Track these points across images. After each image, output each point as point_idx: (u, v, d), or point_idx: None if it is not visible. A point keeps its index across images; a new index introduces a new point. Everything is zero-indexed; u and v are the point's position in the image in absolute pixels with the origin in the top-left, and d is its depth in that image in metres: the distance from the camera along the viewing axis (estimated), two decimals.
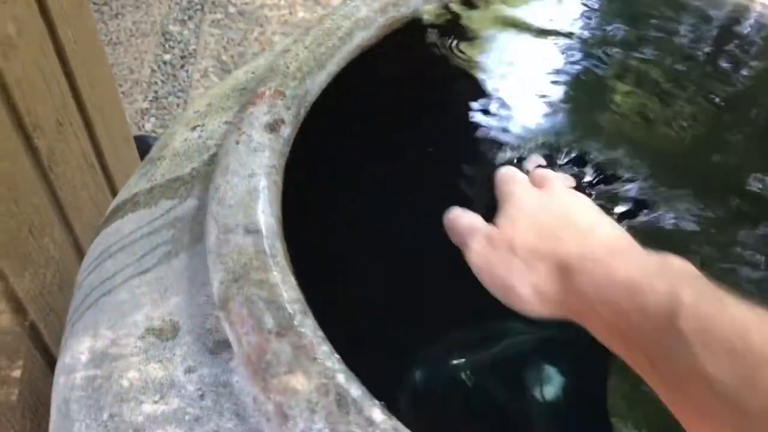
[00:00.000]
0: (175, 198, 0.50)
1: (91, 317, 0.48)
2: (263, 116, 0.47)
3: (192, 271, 0.44)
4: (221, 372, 0.40)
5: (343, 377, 0.35)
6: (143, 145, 1.22)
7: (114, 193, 0.99)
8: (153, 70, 1.58)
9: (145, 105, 1.51)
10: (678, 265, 0.35)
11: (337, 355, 0.36)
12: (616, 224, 0.42)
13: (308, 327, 0.37)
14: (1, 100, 0.69)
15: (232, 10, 1.72)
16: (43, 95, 0.77)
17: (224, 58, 1.61)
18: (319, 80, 0.50)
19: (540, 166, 0.54)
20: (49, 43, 0.79)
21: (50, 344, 0.78)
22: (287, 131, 0.47)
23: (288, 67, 0.50)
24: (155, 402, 0.41)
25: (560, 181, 0.47)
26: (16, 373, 0.70)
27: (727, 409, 0.27)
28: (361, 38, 0.53)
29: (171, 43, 1.63)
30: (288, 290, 0.38)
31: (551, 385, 0.85)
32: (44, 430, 0.75)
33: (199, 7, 1.72)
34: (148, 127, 1.47)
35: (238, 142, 0.46)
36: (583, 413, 0.68)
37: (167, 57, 1.61)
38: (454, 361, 0.89)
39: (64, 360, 0.50)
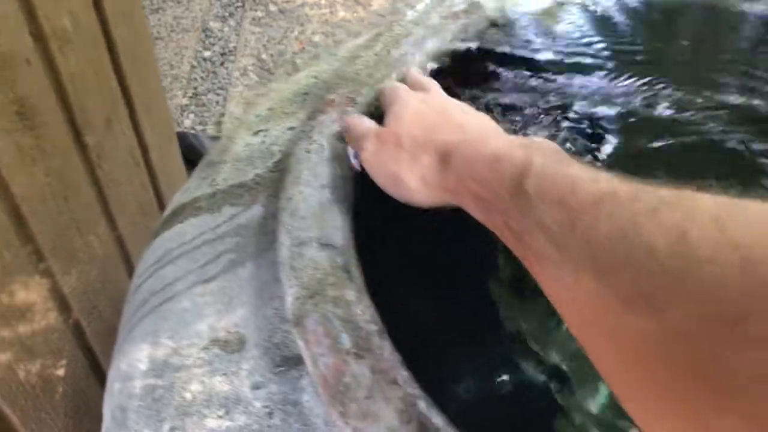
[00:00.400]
0: (239, 205, 0.49)
1: (150, 324, 0.46)
2: (334, 124, 0.46)
3: (259, 282, 0.43)
4: (290, 390, 0.38)
5: (424, 404, 0.33)
6: (183, 142, 1.22)
7: (157, 190, 0.99)
8: (193, 67, 1.57)
9: (185, 101, 1.50)
10: (540, 141, 0.38)
11: (415, 380, 0.34)
12: (488, 118, 0.45)
13: (387, 349, 0.35)
14: (55, 96, 0.68)
15: (273, 8, 1.71)
16: (94, 91, 0.77)
17: (264, 56, 1.60)
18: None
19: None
20: (102, 38, 0.79)
21: (92, 343, 0.77)
22: None
23: (358, 74, 0.49)
24: (220, 417, 0.39)
25: (437, 85, 0.49)
26: (60, 372, 0.70)
27: (556, 254, 0.30)
28: (432, 45, 0.51)
29: (211, 39, 1.63)
30: (364, 309, 0.37)
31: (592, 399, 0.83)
32: (85, 429, 0.74)
33: (240, 4, 1.71)
34: (187, 123, 1.47)
35: (309, 151, 0.44)
36: None
37: (207, 54, 1.60)
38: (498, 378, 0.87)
39: (119, 365, 0.49)
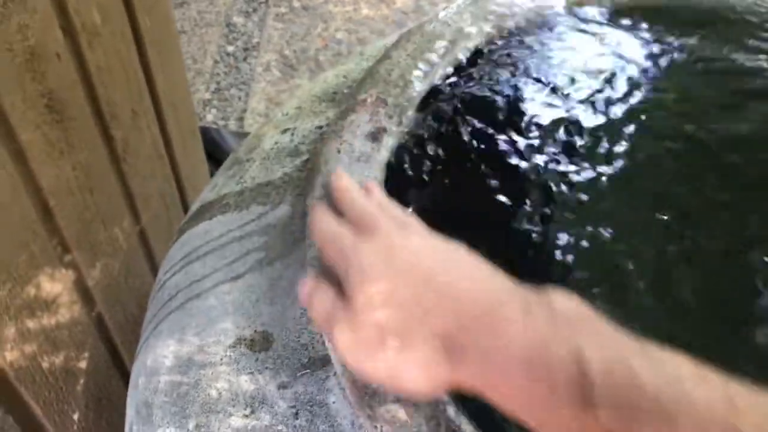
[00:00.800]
0: (267, 203, 0.49)
1: (176, 320, 0.47)
2: (365, 125, 0.45)
3: (287, 282, 0.43)
4: (317, 391, 0.38)
5: (453, 411, 0.33)
6: (205, 137, 1.22)
7: (179, 184, 0.99)
8: (216, 61, 1.58)
9: (207, 96, 1.51)
10: (561, 307, 0.32)
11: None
12: (480, 263, 0.36)
13: None
14: (83, 90, 0.68)
15: (296, 4, 1.71)
16: (121, 84, 0.77)
17: (287, 52, 1.60)
18: (422, 89, 0.48)
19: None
20: (129, 31, 0.79)
21: (114, 336, 0.78)
22: (390, 141, 0.45)
23: (390, 75, 0.48)
24: (246, 416, 0.39)
25: (388, 219, 0.38)
26: (82, 364, 0.70)
27: None
28: (464, 47, 0.51)
29: (235, 34, 1.63)
30: None
31: None
32: (105, 421, 0.75)
33: (264, 0, 1.71)
34: (210, 118, 1.47)
35: (339, 151, 0.44)
36: None
37: (230, 48, 1.60)
38: None
39: (145, 360, 0.49)
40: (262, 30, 1.64)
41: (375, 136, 0.45)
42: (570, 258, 0.51)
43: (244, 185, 0.51)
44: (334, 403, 0.38)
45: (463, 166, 0.49)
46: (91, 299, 0.73)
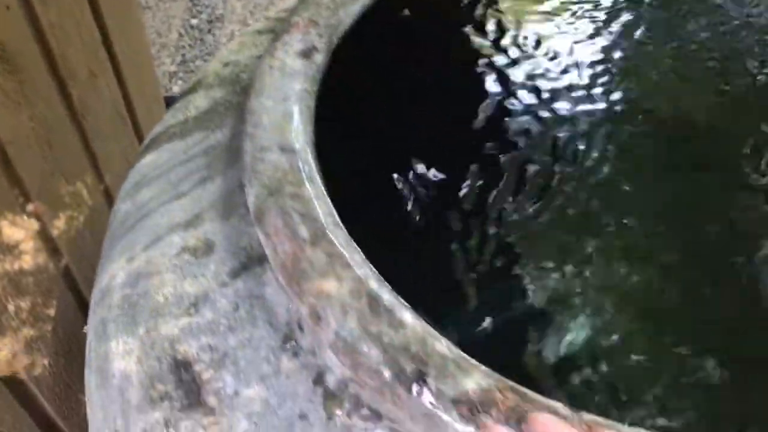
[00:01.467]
0: (209, 128, 0.51)
1: (126, 241, 0.49)
2: (297, 44, 0.48)
3: (227, 193, 0.45)
4: (255, 285, 0.41)
5: (375, 283, 0.36)
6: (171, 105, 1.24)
7: None
8: (180, 35, 1.59)
9: (173, 68, 1.52)
10: None
11: (369, 263, 0.37)
12: None
13: (341, 237, 0.37)
14: (36, 45, 0.70)
15: None
16: (76, 43, 0.79)
17: (250, 22, 1.62)
18: (353, 11, 0.51)
19: None
20: None
21: (83, 288, 0.80)
22: (320, 58, 0.47)
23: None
24: (190, 315, 0.42)
25: None
26: (51, 312, 0.72)
27: None
28: None
29: (198, 8, 1.64)
30: (321, 204, 0.39)
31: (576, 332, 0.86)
32: (75, 371, 0.77)
33: None
34: (176, 89, 1.49)
35: (272, 67, 0.46)
36: None
37: (194, 21, 1.61)
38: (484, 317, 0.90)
39: (100, 285, 0.51)
40: (225, 2, 1.65)
41: (306, 53, 0.47)
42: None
43: (188, 115, 0.54)
44: (270, 294, 0.40)
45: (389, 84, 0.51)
46: (57, 250, 0.75)
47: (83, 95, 0.81)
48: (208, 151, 0.49)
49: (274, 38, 0.49)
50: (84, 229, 0.80)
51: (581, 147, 0.62)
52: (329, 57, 0.49)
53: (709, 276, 0.58)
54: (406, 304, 0.36)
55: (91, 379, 0.49)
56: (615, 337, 0.63)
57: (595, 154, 0.62)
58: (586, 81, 0.63)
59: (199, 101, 0.54)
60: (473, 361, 0.34)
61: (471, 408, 0.32)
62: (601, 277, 0.66)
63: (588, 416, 0.33)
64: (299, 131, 0.42)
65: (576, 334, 0.82)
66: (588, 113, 0.62)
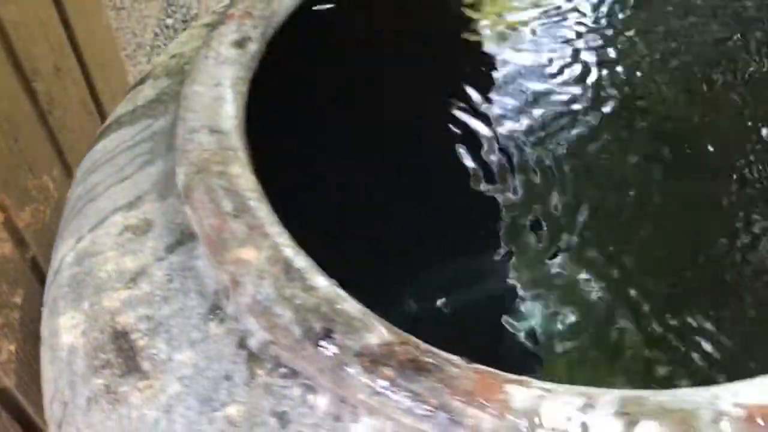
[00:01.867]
0: (154, 116, 0.54)
1: (76, 223, 0.52)
2: (231, 34, 0.50)
3: (165, 175, 0.48)
4: (187, 259, 0.44)
5: (291, 251, 0.39)
6: None
7: None
8: (156, 34, 1.61)
9: (149, 67, 1.54)
10: None
11: (287, 234, 0.40)
12: None
13: (262, 210, 0.40)
14: None
15: None
16: (40, 40, 0.81)
17: None
18: (287, 3, 0.54)
19: None
20: None
21: None
22: (254, 47, 0.50)
23: None
24: (129, 288, 0.45)
25: None
26: (17, 299, 0.75)
27: None
28: None
29: (173, 7, 1.67)
30: (246, 181, 0.42)
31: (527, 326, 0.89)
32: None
33: None
34: None
35: (207, 57, 0.49)
36: None
37: (170, 21, 1.64)
38: (443, 297, 0.93)
39: (53, 266, 0.54)
40: (200, 2, 1.68)
41: (240, 43, 0.50)
42: None
43: (136, 104, 0.56)
44: (201, 265, 0.43)
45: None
46: (24, 242, 0.78)
47: (50, 90, 0.84)
48: (152, 137, 0.52)
49: (210, 29, 0.52)
50: (51, 221, 0.83)
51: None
52: (264, 47, 0.52)
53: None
54: (320, 269, 0.38)
55: (44, 355, 0.52)
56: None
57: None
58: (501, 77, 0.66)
59: (147, 91, 0.57)
60: (378, 319, 0.37)
61: (373, 360, 0.35)
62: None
63: (481, 367, 0.36)
64: (229, 114, 0.45)
65: (530, 321, 0.85)
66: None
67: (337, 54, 0.60)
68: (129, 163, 0.51)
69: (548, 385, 0.35)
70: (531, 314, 0.89)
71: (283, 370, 0.39)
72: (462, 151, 0.79)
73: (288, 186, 0.46)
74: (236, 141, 0.44)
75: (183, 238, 0.45)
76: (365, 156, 0.68)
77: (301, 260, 0.38)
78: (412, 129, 0.71)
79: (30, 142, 0.79)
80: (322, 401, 0.37)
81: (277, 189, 0.43)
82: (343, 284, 0.38)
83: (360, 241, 0.65)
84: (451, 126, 0.73)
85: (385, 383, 0.35)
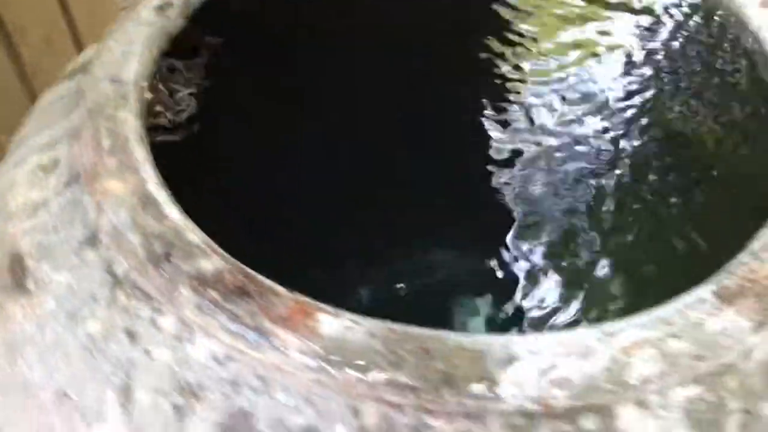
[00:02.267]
0: (83, 71, 0.58)
1: (5, 165, 0.57)
2: (155, 0, 0.55)
3: (75, 124, 0.53)
4: (79, 193, 0.48)
5: (153, 186, 0.43)
6: None
7: None
8: None
9: None
10: None
11: (156, 172, 0.44)
12: None
13: (137, 151, 0.45)
14: None
15: None
16: (31, 10, 0.87)
17: None
18: None
19: None
20: None
21: None
22: (174, 13, 0.55)
23: None
24: (30, 218, 0.49)
25: None
26: None
27: None
28: None
29: None
30: (132, 126, 0.46)
31: (476, 317, 0.92)
32: None
33: None
34: None
35: (129, 19, 0.54)
36: None
37: None
38: (396, 286, 0.96)
39: None
40: None
41: (161, 8, 0.55)
42: None
43: (76, 64, 0.61)
44: (86, 200, 0.47)
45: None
46: None
47: (38, 61, 0.90)
48: (78, 92, 0.57)
49: None
50: None
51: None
52: (187, 15, 0.56)
53: None
54: (177, 204, 0.42)
55: None
56: None
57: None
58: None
59: (90, 52, 0.62)
60: (219, 249, 0.41)
61: (202, 283, 0.39)
62: None
63: (302, 297, 0.39)
64: (133, 69, 0.50)
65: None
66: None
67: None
68: (55, 112, 0.56)
69: (360, 318, 0.38)
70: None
71: (138, 293, 0.43)
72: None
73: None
74: (134, 92, 0.48)
75: (78, 175, 0.49)
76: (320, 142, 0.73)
77: (162, 195, 0.42)
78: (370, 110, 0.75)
79: (11, 107, 0.85)
80: (167, 322, 0.41)
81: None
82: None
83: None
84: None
85: (211, 305, 0.38)
